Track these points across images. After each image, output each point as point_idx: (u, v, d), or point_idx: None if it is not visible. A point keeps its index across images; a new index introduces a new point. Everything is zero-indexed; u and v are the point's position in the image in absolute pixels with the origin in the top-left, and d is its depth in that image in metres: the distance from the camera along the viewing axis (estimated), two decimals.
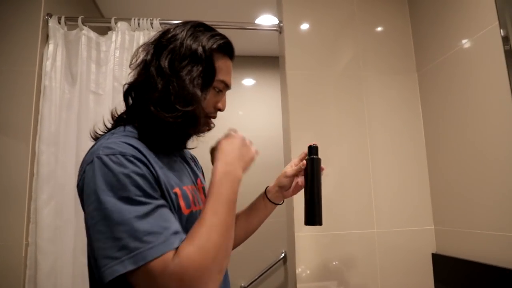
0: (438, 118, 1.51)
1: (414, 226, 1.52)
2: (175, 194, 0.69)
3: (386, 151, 1.57)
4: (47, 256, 1.31)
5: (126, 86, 0.75)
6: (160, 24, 1.58)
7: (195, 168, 0.89)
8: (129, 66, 0.76)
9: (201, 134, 0.81)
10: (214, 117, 0.80)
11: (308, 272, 1.44)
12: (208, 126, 0.80)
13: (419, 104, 1.62)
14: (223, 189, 0.67)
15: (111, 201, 0.57)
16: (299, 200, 1.43)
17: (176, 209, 0.68)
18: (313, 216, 0.93)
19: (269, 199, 0.99)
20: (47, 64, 1.43)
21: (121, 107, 1.37)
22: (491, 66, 1.22)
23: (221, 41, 0.75)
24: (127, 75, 1.49)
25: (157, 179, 0.64)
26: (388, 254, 1.49)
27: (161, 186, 0.65)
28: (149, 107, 0.68)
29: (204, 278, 0.56)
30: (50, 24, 1.47)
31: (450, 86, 1.42)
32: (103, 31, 1.58)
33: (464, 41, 1.34)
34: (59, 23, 1.51)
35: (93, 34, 1.54)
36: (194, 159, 0.96)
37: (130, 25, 1.56)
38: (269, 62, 2.78)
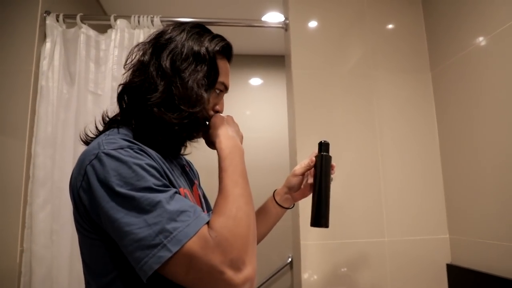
0: (453, 120, 1.42)
1: (427, 235, 1.43)
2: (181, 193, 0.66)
3: (398, 155, 1.48)
4: (43, 262, 1.27)
5: (120, 87, 0.72)
6: (161, 21, 1.52)
7: (190, 174, 0.85)
8: (123, 67, 0.73)
9: (197, 139, 0.79)
10: (210, 119, 0.76)
11: (315, 280, 1.36)
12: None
13: (433, 105, 1.53)
14: (236, 161, 0.67)
15: (133, 193, 0.55)
16: (304, 206, 1.36)
17: None
18: (319, 217, 0.86)
19: (277, 203, 0.93)
20: (44, 63, 1.38)
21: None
22: (511, 64, 1.12)
23: (223, 43, 0.75)
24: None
25: (165, 174, 0.63)
26: (399, 264, 1.40)
27: (171, 181, 0.64)
28: (152, 108, 0.66)
29: (245, 246, 0.56)
30: (47, 21, 1.42)
31: (467, 86, 1.33)
32: (103, 29, 1.53)
33: (481, 38, 1.25)
34: (57, 20, 1.46)
35: (92, 32, 1.49)
36: (189, 165, 0.92)
37: (130, 23, 1.51)
38: (276, 61, 2.70)
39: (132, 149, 0.60)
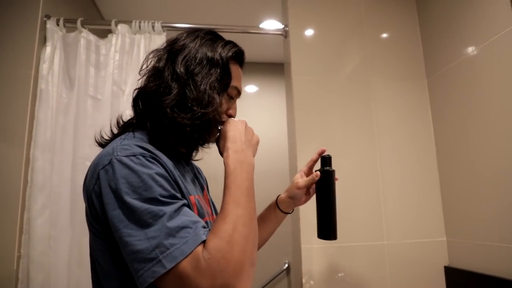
0: (449, 125, 1.45)
1: (425, 238, 1.45)
2: (191, 201, 0.67)
3: (396, 160, 1.51)
4: (41, 268, 1.24)
5: (136, 91, 0.74)
6: (162, 27, 1.53)
7: (200, 179, 0.87)
8: (139, 73, 0.75)
9: (209, 144, 0.80)
10: (223, 123, 0.77)
11: (316, 283, 1.37)
12: (219, 133, 0.77)
13: (429, 111, 1.57)
14: (240, 178, 0.65)
15: (138, 203, 0.55)
16: (305, 211, 1.37)
17: None
18: (328, 230, 0.89)
19: (280, 210, 0.96)
20: (44, 67, 1.37)
21: (121, 112, 1.32)
22: (507, 71, 1.16)
23: (236, 49, 0.77)
24: (126, 79, 1.45)
25: (176, 182, 0.63)
26: (399, 267, 1.42)
27: (181, 190, 0.64)
28: (165, 110, 0.67)
29: (237, 271, 0.54)
30: (48, 25, 1.42)
31: (463, 92, 1.37)
32: (103, 34, 1.53)
33: (477, 45, 1.30)
34: (58, 25, 1.45)
35: (92, 37, 1.49)
36: (198, 171, 0.93)
37: (131, 28, 1.51)
38: (272, 68, 2.74)
39: (144, 156, 0.60)
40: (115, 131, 0.76)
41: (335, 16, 1.60)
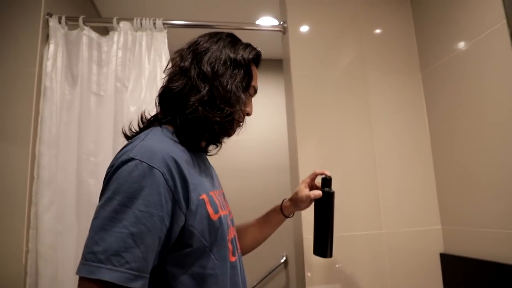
0: (443, 117, 1.51)
1: (421, 226, 1.51)
2: (203, 200, 0.70)
3: (392, 151, 1.56)
4: (49, 263, 1.26)
5: (162, 89, 0.79)
6: (163, 24, 1.56)
7: (214, 173, 0.92)
8: (163, 72, 0.82)
9: (225, 139, 0.86)
10: (243, 121, 0.85)
11: (314, 274, 1.41)
12: (239, 128, 0.85)
13: (423, 103, 1.63)
14: None
15: (113, 204, 0.60)
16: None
17: (204, 216, 0.69)
18: (325, 248, 0.97)
19: (284, 214, 1.05)
20: (48, 64, 1.38)
21: (123, 109, 1.36)
22: (498, 65, 1.22)
23: (255, 51, 0.84)
24: (129, 76, 1.47)
25: (179, 192, 0.65)
26: (397, 255, 1.47)
27: (187, 195, 0.66)
28: (196, 107, 0.72)
29: None
30: (50, 24, 1.43)
31: (455, 86, 1.43)
32: (101, 31, 1.55)
33: (469, 40, 1.35)
34: (60, 23, 1.47)
35: (94, 35, 1.50)
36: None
37: (133, 25, 1.53)
38: (269, 65, 2.76)
39: (151, 168, 0.62)
40: (141, 125, 0.81)
41: (331, 11, 1.64)
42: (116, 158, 0.67)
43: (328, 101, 1.56)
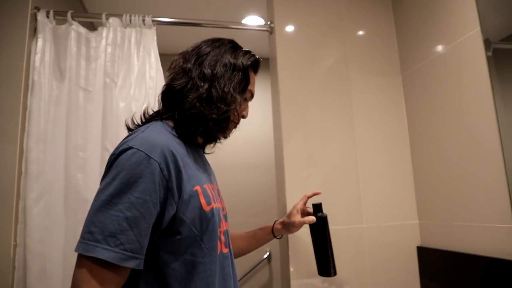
0: (421, 117, 1.59)
1: (400, 221, 1.59)
2: (196, 191, 0.74)
3: (373, 149, 1.63)
4: (38, 257, 1.26)
5: (165, 86, 0.85)
6: (152, 21, 1.57)
7: (210, 169, 0.97)
8: (167, 70, 0.88)
9: (223, 138, 0.93)
10: (238, 123, 0.91)
11: (297, 269, 1.46)
12: (233, 129, 0.92)
13: (403, 104, 1.70)
14: None
15: (111, 189, 0.65)
16: (291, 200, 1.47)
17: (196, 206, 0.74)
18: (328, 268, 1.08)
19: (274, 236, 1.17)
20: (36, 58, 1.38)
21: (112, 104, 1.39)
22: (473, 70, 1.30)
23: (254, 58, 0.91)
24: (119, 72, 1.48)
25: (173, 182, 0.70)
26: (376, 248, 1.54)
27: (180, 185, 0.71)
28: (194, 103, 0.79)
29: None
30: (39, 18, 1.42)
31: (433, 88, 1.51)
32: (87, 27, 1.55)
33: (446, 45, 1.43)
34: (48, 17, 1.46)
35: (82, 30, 1.50)
36: (208, 162, 1.02)
37: (122, 21, 1.54)
38: None
39: (149, 158, 0.67)
40: (143, 119, 0.86)
41: (316, 12, 1.70)
42: (117, 147, 0.71)
43: (313, 99, 1.62)
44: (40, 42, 1.40)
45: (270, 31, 1.70)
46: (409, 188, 1.63)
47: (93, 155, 1.42)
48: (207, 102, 0.80)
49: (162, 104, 0.86)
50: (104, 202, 0.64)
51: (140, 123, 0.86)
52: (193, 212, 0.72)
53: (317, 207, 1.12)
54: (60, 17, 1.50)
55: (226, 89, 0.82)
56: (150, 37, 1.55)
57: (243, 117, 0.93)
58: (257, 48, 1.89)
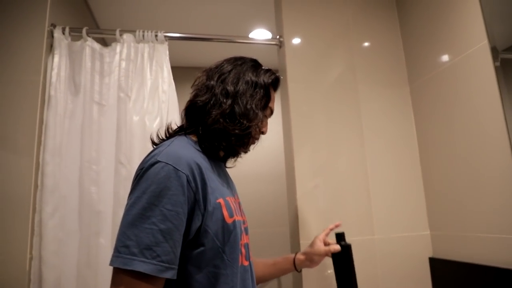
0: (430, 128, 1.60)
1: (411, 232, 1.59)
2: (219, 204, 0.76)
3: (382, 159, 1.64)
4: (53, 269, 1.28)
5: (188, 102, 0.88)
6: (164, 37, 1.61)
7: (232, 183, 0.99)
8: (191, 87, 0.90)
9: (243, 153, 0.94)
10: (258, 138, 0.93)
11: (307, 281, 1.46)
12: (253, 144, 0.94)
13: (412, 115, 1.72)
14: None
15: (141, 202, 0.66)
16: (301, 209, 1.48)
17: (219, 218, 0.75)
18: None
19: (296, 269, 1.15)
20: (53, 74, 1.41)
21: (126, 118, 1.43)
22: (481, 81, 1.31)
23: (274, 77, 0.93)
24: (132, 86, 1.51)
25: (199, 194, 0.72)
26: (388, 259, 1.54)
27: (206, 197, 0.73)
28: (218, 119, 0.81)
29: None
30: (55, 34, 1.46)
31: (442, 99, 1.52)
32: (100, 42, 1.59)
33: (454, 57, 1.45)
34: (63, 33, 1.50)
35: (96, 45, 1.54)
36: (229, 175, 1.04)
37: (135, 37, 1.58)
38: None
39: (176, 171, 0.68)
40: (167, 134, 0.88)
41: (323, 24, 1.73)
42: (144, 161, 0.73)
43: (322, 111, 1.64)
44: (56, 58, 1.44)
45: (280, 44, 1.73)
46: (419, 199, 1.64)
47: (106, 169, 1.44)
48: (230, 118, 0.82)
49: (186, 119, 0.88)
50: (137, 216, 0.65)
51: (164, 137, 0.88)
52: (217, 224, 0.74)
53: (340, 236, 1.12)
54: (75, 33, 1.54)
55: (248, 106, 0.84)
56: (163, 52, 1.59)
57: (263, 133, 0.94)
58: (264, 61, 1.93)
